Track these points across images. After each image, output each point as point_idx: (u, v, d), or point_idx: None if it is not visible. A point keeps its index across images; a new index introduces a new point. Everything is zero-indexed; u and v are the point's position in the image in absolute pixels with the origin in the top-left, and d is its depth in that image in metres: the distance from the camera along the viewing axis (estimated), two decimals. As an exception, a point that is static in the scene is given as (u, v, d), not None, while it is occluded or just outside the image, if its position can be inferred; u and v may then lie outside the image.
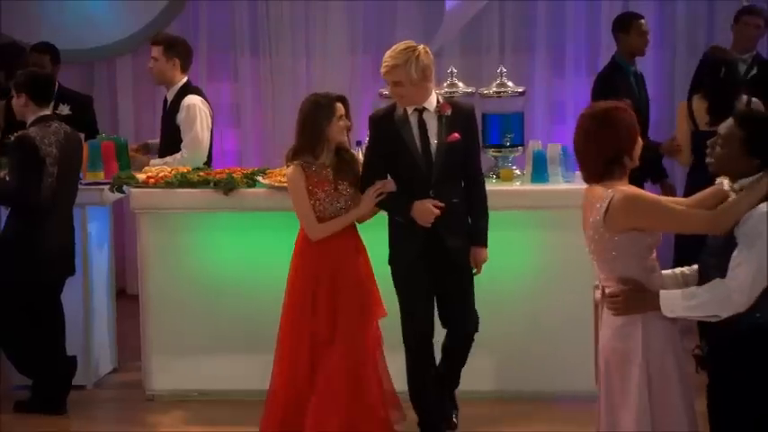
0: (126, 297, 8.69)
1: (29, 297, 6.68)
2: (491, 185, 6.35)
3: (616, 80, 7.75)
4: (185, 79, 7.55)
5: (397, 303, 5.89)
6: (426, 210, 5.62)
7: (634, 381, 4.18)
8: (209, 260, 6.89)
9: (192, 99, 7.42)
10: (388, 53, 5.65)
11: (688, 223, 4.29)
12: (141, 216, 6.91)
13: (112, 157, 7.25)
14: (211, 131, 7.58)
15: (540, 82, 9.26)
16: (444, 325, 5.90)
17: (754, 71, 8.04)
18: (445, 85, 6.99)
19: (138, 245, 7.02)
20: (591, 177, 4.31)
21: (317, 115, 5.70)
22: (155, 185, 6.82)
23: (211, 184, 6.74)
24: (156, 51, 7.46)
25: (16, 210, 6.66)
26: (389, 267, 5.87)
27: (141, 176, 6.92)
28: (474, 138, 5.88)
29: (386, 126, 5.73)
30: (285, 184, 6.71)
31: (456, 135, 5.66)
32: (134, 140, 8.37)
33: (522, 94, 7.05)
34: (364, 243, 5.97)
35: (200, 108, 7.41)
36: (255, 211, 6.75)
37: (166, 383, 6.94)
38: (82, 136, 7.10)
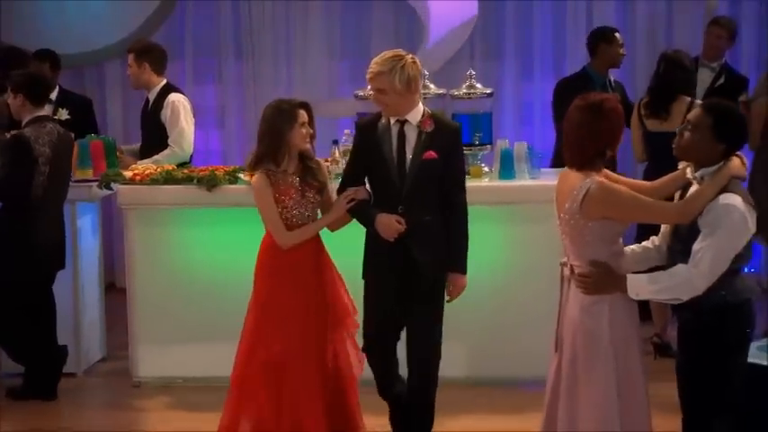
0: (115, 290, 8.66)
1: (22, 290, 6.68)
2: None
3: (580, 88, 7.37)
4: (164, 81, 7.55)
5: None
6: (389, 224, 5.16)
7: (601, 357, 4.25)
8: (193, 254, 6.88)
9: (174, 96, 7.44)
10: (375, 59, 5.22)
11: (658, 215, 4.42)
12: (128, 212, 6.91)
13: (101, 155, 7.23)
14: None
15: (509, 86, 9.24)
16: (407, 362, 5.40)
17: (722, 80, 8.02)
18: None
19: (125, 239, 7.02)
20: (574, 163, 4.35)
21: (278, 121, 5.29)
22: (141, 182, 6.80)
23: (195, 181, 6.74)
24: (130, 59, 7.50)
25: (7, 206, 6.64)
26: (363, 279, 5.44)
27: (128, 174, 6.91)
28: (456, 158, 5.30)
29: (368, 134, 5.31)
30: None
31: (432, 154, 5.16)
32: (122, 140, 8.36)
33: (490, 95, 7.04)
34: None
35: (183, 104, 7.44)
36: (237, 207, 6.67)
37: (152, 371, 6.96)
38: (73, 136, 7.05)
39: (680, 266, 4.21)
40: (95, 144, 7.25)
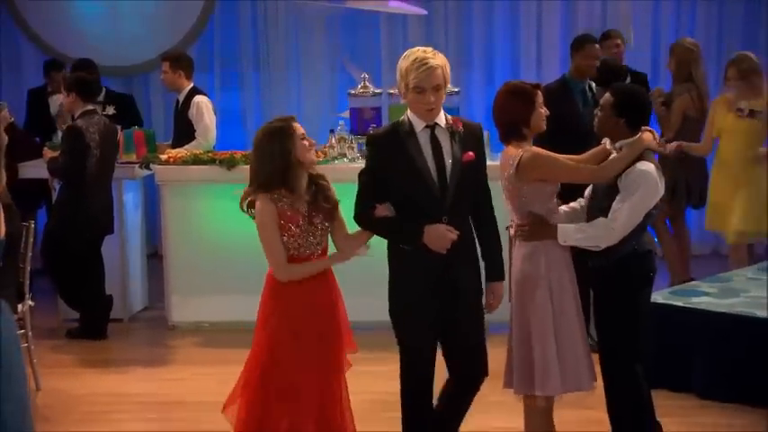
0: (159, 258, 8.74)
1: (78, 250, 6.78)
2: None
3: (557, 93, 6.45)
4: (191, 85, 7.58)
5: None
6: (442, 234, 3.98)
7: (540, 294, 4.24)
8: (216, 221, 6.94)
9: (199, 98, 7.50)
10: (420, 56, 4.00)
11: (579, 175, 4.39)
12: (163, 187, 7.02)
13: (142, 143, 7.38)
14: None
15: (477, 90, 9.18)
16: (449, 369, 4.27)
17: (628, 79, 7.47)
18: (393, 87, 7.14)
19: (161, 210, 7.12)
20: (502, 138, 4.34)
21: (276, 141, 4.00)
22: (173, 163, 6.93)
23: (217, 162, 6.84)
24: (165, 66, 7.51)
25: (66, 182, 6.79)
26: (389, 301, 4.18)
27: (163, 157, 7.04)
28: (483, 160, 4.21)
29: (389, 147, 4.05)
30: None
31: (471, 154, 4.05)
32: (163, 134, 8.37)
33: (457, 93, 7.02)
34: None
35: (206, 104, 7.51)
36: (252, 183, 6.87)
37: (184, 316, 7.04)
38: (118, 128, 7.20)
39: (601, 219, 4.24)
40: (138, 134, 7.43)
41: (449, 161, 4.03)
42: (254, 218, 4.10)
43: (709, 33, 8.95)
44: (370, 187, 4.11)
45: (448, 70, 4.06)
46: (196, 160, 6.91)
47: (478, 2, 9.15)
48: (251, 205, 4.11)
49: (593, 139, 4.62)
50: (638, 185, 4.22)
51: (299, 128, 4.08)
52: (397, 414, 4.28)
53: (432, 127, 4.06)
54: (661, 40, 8.88)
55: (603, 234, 4.23)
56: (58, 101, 8.01)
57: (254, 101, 9.49)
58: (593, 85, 6.67)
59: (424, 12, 8.90)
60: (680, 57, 7.37)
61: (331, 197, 4.12)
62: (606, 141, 4.45)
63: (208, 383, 5.92)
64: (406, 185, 4.04)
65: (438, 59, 4.00)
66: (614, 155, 4.36)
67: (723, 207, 6.96)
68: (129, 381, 6.12)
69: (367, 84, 7.19)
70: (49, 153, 7.00)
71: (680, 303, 5.65)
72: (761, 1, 8.85)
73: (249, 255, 6.71)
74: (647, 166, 4.27)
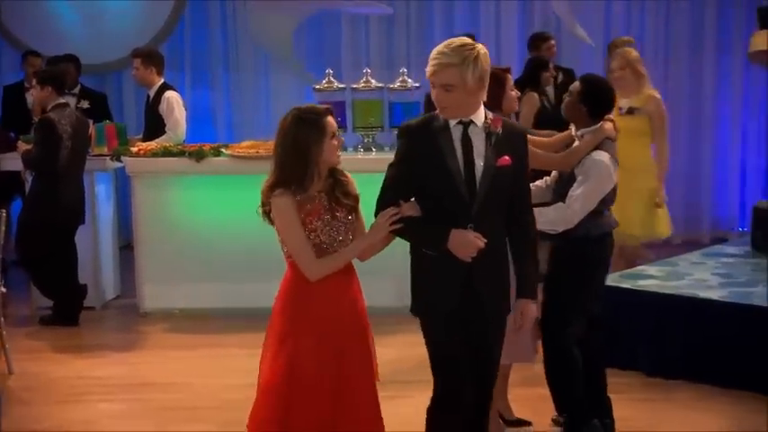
0: (132, 250, 8.71)
1: (51, 239, 6.74)
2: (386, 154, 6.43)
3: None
4: (162, 80, 7.56)
5: None
6: (468, 241, 3.48)
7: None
8: (185, 211, 6.98)
9: (170, 93, 7.49)
10: (439, 48, 3.52)
11: (547, 163, 4.47)
12: (134, 178, 7.02)
13: (114, 136, 7.37)
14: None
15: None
16: None
17: (561, 77, 7.80)
18: (362, 81, 7.21)
19: (132, 201, 7.11)
20: None
21: (304, 136, 3.48)
22: (144, 155, 6.92)
23: (186, 155, 6.85)
24: (137, 62, 7.47)
25: (38, 173, 6.76)
26: (418, 317, 3.68)
27: (134, 149, 7.03)
28: (525, 166, 3.66)
29: (421, 139, 3.55)
30: (243, 153, 6.82)
31: (507, 159, 3.53)
32: (135, 128, 8.34)
33: (418, 87, 7.07)
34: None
35: (176, 99, 7.50)
36: (219, 174, 6.85)
37: (155, 303, 7.02)
38: (90, 121, 7.19)
39: (560, 204, 4.31)
40: (109, 127, 7.41)
41: (480, 163, 3.52)
42: (271, 222, 3.59)
43: (657, 33, 9.07)
44: (397, 181, 3.59)
45: (476, 69, 3.46)
46: (166, 152, 6.91)
47: (439, 2, 9.22)
48: (268, 212, 3.57)
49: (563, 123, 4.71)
50: (592, 173, 4.30)
51: (333, 124, 3.54)
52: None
53: (465, 124, 3.54)
54: (612, 39, 8.94)
55: (561, 218, 4.30)
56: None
57: (224, 99, 9.48)
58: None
59: (390, 10, 8.95)
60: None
61: (350, 192, 3.61)
62: (573, 128, 4.53)
63: (177, 366, 5.98)
64: (432, 184, 3.54)
65: (456, 56, 3.45)
66: (576, 143, 4.44)
67: (620, 208, 6.86)
68: (102, 364, 6.12)
69: (331, 79, 7.25)
70: (23, 146, 6.97)
71: (628, 286, 5.75)
72: (705, 2, 8.99)
73: (217, 244, 6.90)
74: (601, 156, 4.33)
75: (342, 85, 7.27)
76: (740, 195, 9.19)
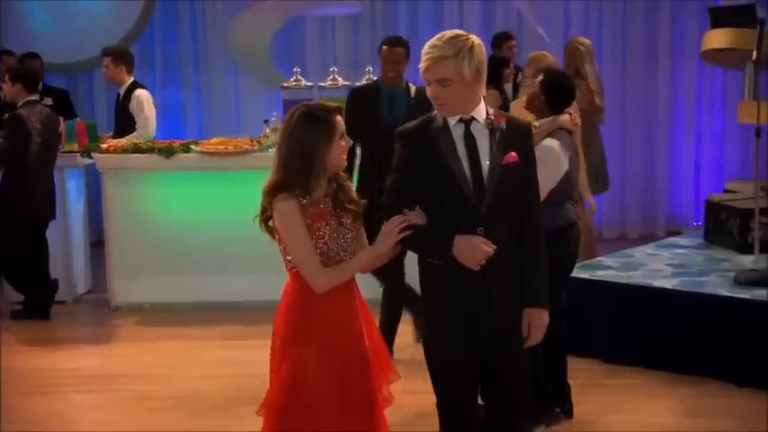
0: (103, 246, 8.70)
1: (22, 234, 6.71)
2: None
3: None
4: (132, 79, 7.50)
5: None
6: (476, 248, 3.15)
7: None
8: (155, 206, 6.96)
9: (140, 91, 7.45)
10: (431, 42, 3.20)
11: None
12: (104, 175, 7.00)
13: (84, 133, 7.33)
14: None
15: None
16: (485, 401, 3.42)
17: (520, 77, 7.60)
18: (329, 79, 7.25)
19: (102, 196, 7.08)
20: None
21: (311, 135, 3.16)
22: (114, 152, 6.90)
23: (156, 151, 6.84)
24: (107, 61, 7.41)
25: (8, 169, 6.71)
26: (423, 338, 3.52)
27: (104, 146, 7.01)
28: (532, 164, 3.34)
29: (420, 141, 3.25)
30: (212, 150, 6.89)
31: (514, 155, 3.23)
32: (105, 126, 8.27)
33: (347, 86, 7.00)
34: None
35: (146, 97, 7.46)
36: (188, 171, 6.86)
37: (126, 297, 7.00)
38: (61, 119, 7.17)
39: None
40: (80, 125, 7.38)
41: (486, 162, 3.21)
42: (270, 233, 3.24)
43: (614, 33, 9.18)
44: (399, 189, 3.27)
45: (473, 60, 3.16)
46: (136, 149, 6.90)
47: (404, 3, 9.26)
48: (267, 220, 3.21)
49: None
50: (540, 159, 4.18)
51: (342, 124, 3.22)
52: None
53: (467, 122, 3.23)
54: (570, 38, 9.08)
55: None
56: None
57: (194, 98, 9.46)
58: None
59: (359, 8, 8.98)
60: (568, 54, 7.40)
61: (354, 198, 3.30)
62: (534, 122, 4.58)
63: (147, 358, 5.99)
64: (436, 188, 3.22)
65: (450, 48, 3.15)
66: (534, 131, 4.48)
67: None
68: (74, 357, 6.10)
69: (299, 77, 7.29)
70: (-7, 142, 6.93)
71: (586, 276, 5.84)
72: (660, 4, 9.09)
73: (187, 239, 6.91)
74: (550, 142, 4.35)
75: (309, 83, 7.33)
76: (695, 193, 9.31)
